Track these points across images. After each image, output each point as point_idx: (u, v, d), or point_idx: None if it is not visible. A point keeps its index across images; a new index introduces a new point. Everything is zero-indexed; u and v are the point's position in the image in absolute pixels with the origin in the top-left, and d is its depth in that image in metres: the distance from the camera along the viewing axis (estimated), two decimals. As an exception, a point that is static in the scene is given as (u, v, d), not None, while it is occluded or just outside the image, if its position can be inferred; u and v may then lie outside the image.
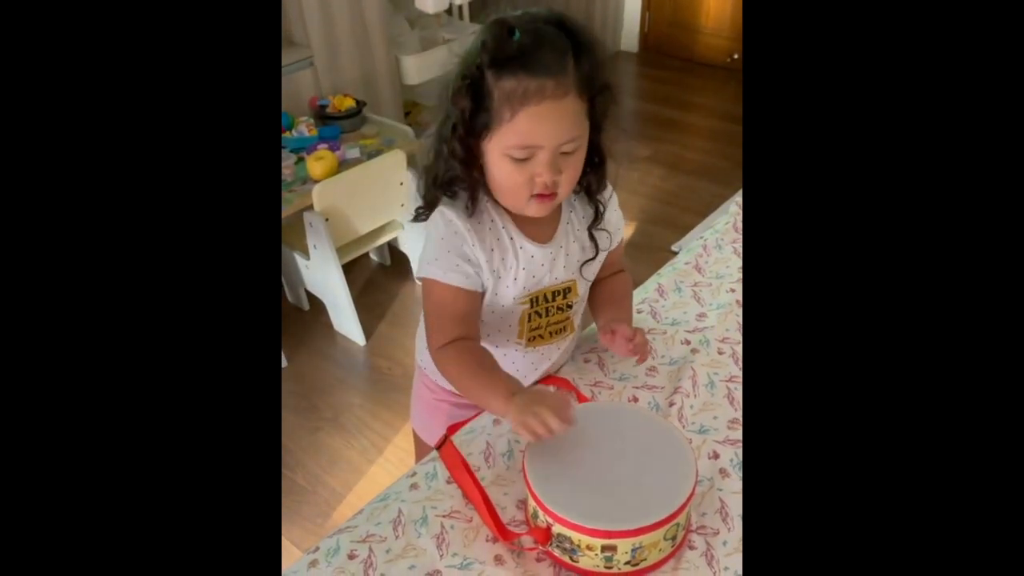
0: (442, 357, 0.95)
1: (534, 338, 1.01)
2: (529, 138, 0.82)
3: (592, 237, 0.98)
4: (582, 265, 0.99)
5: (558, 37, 0.82)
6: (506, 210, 0.93)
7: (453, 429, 0.97)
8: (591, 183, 0.95)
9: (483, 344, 0.97)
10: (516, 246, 0.94)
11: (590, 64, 0.84)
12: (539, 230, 0.95)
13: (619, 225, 1.03)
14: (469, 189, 0.90)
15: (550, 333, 1.02)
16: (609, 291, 1.06)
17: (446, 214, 0.91)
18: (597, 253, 0.99)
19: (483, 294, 0.95)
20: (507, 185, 0.87)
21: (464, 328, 0.94)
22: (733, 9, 3.82)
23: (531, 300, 0.97)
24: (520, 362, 1.02)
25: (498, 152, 0.85)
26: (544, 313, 0.99)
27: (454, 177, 0.89)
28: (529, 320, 0.99)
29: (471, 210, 0.90)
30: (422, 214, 0.95)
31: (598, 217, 0.98)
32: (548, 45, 0.81)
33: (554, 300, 0.99)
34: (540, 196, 0.87)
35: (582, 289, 1.01)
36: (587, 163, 0.90)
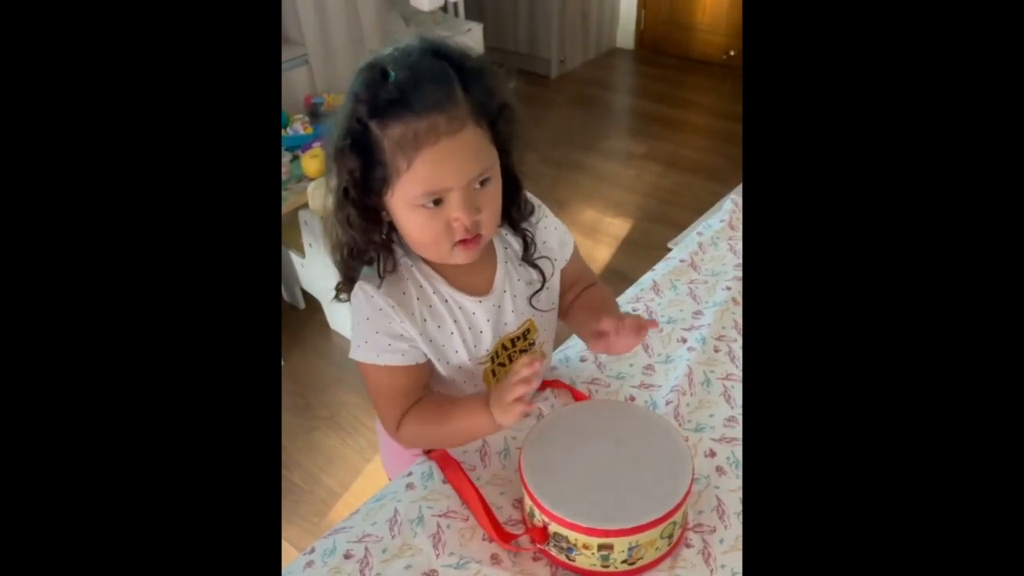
0: (403, 434, 0.88)
1: None
2: (434, 183, 0.74)
3: (535, 266, 0.91)
4: (531, 297, 0.91)
5: (438, 67, 0.74)
6: (433, 268, 0.85)
7: None
8: (511, 212, 0.87)
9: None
10: (453, 308, 0.86)
11: (481, 88, 0.76)
12: (475, 281, 0.87)
13: (562, 240, 0.95)
14: (378, 254, 0.82)
15: None
16: (588, 302, 0.97)
17: (367, 290, 0.83)
18: (544, 282, 0.91)
19: (427, 361, 0.88)
20: (424, 238, 0.79)
21: (414, 398, 0.87)
22: (729, 6, 3.82)
23: (491, 357, 0.91)
24: None
25: (405, 205, 0.76)
26: (507, 361, 0.93)
27: (361, 248, 0.82)
28: (494, 375, 0.92)
29: (386, 275, 0.83)
30: (342, 292, 0.88)
31: (528, 247, 0.90)
32: (429, 78, 0.73)
33: (515, 346, 0.92)
34: (463, 242, 0.78)
35: (542, 323, 0.95)
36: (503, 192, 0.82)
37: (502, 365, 0.93)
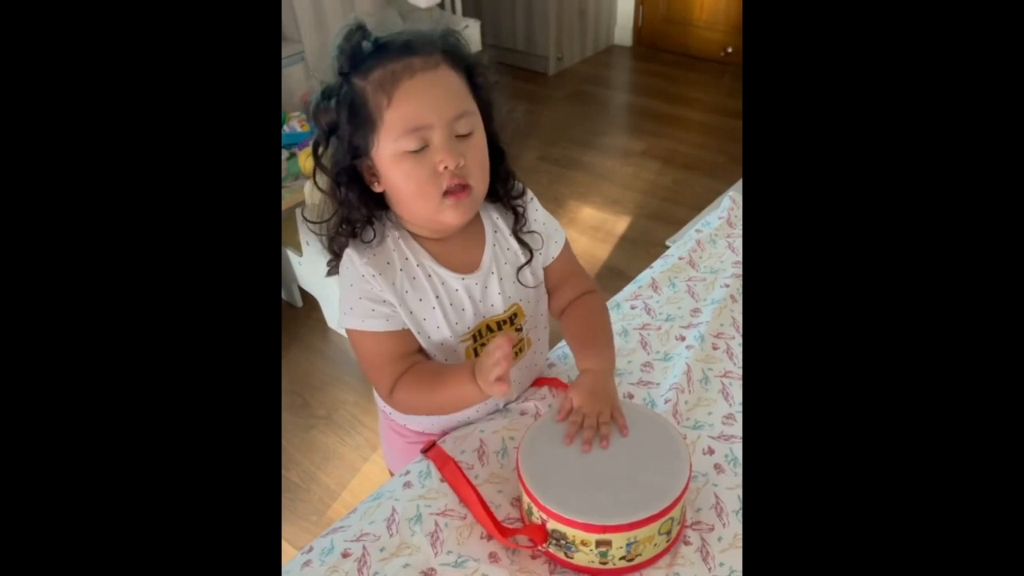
0: (396, 400, 0.88)
1: None
2: (414, 117, 0.77)
3: (522, 242, 0.92)
4: (518, 271, 0.92)
5: (414, 26, 0.82)
6: (420, 244, 0.87)
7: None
8: (496, 186, 0.88)
9: None
10: (436, 283, 0.87)
11: (456, 41, 0.83)
12: (462, 259, 0.89)
13: (550, 233, 0.96)
14: (361, 221, 0.85)
15: None
16: (579, 327, 0.97)
17: (352, 258, 0.85)
18: (531, 256, 0.92)
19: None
20: (412, 188, 0.80)
21: (405, 364, 0.87)
22: (727, 3, 3.82)
23: (472, 336, 0.91)
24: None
25: (390, 154, 0.79)
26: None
27: (349, 214, 0.84)
28: (476, 355, 0.91)
29: (371, 245, 0.85)
30: (333, 266, 0.90)
31: (519, 218, 0.92)
32: (407, 31, 0.81)
33: (500, 329, 0.93)
34: (453, 194, 0.80)
35: (530, 310, 0.95)
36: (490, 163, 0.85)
37: (485, 346, 0.91)
